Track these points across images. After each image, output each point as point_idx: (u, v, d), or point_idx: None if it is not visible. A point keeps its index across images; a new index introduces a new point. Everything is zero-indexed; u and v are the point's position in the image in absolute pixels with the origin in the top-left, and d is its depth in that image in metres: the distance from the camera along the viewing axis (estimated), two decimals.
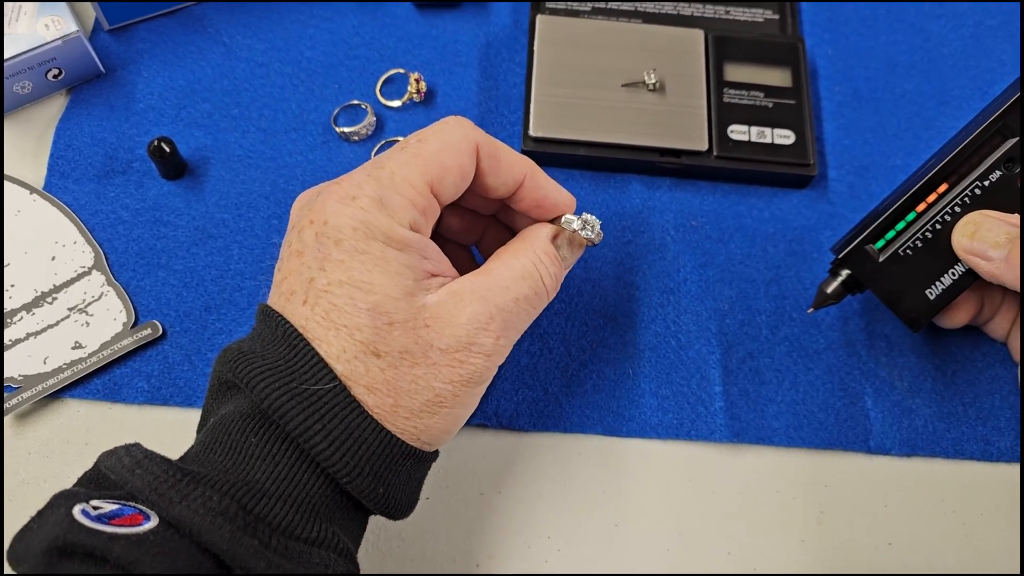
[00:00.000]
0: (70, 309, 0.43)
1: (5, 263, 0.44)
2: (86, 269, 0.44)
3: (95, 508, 0.27)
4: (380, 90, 0.50)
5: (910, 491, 0.42)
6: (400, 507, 0.32)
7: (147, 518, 0.27)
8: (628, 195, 0.48)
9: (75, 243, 0.44)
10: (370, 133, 0.48)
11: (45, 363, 0.41)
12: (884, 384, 0.44)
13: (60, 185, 0.46)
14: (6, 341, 0.42)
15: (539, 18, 0.50)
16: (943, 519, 0.42)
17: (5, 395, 0.40)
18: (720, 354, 0.44)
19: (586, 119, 0.47)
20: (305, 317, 0.31)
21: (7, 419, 0.41)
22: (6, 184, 0.45)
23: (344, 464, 0.30)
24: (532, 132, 0.47)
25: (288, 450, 0.30)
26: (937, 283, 0.39)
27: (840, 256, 0.40)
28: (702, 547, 0.41)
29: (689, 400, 0.43)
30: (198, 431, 0.33)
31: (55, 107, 0.48)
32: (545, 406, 0.42)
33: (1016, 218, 0.37)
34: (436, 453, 0.34)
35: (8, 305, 0.43)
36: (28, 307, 0.43)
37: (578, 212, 0.37)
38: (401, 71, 0.50)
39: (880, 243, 0.40)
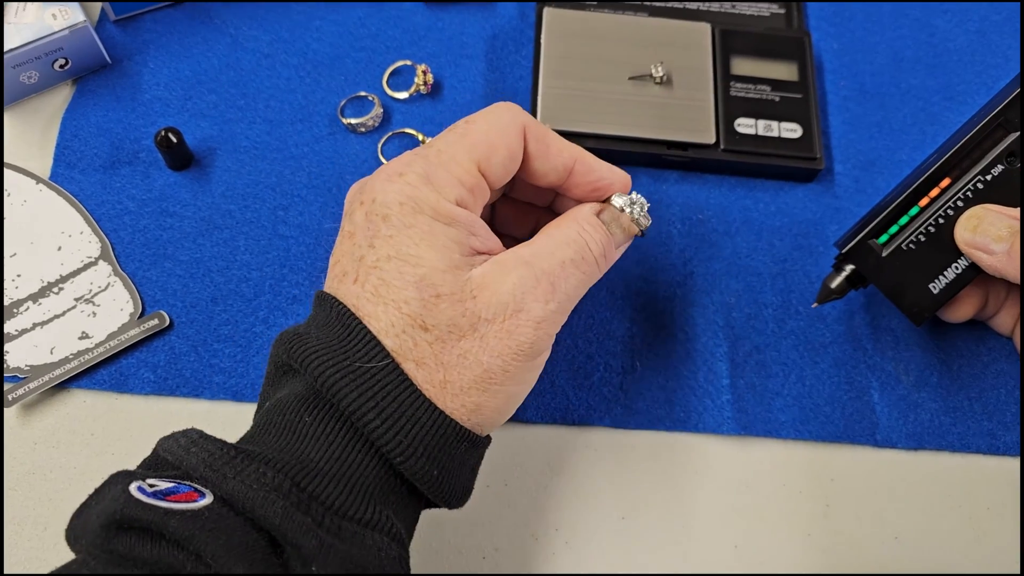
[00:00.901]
0: (77, 299, 0.43)
1: (12, 253, 0.43)
2: (92, 259, 0.44)
3: (151, 485, 0.27)
4: (387, 82, 0.50)
5: (916, 485, 0.42)
6: (455, 493, 0.32)
7: (202, 495, 0.27)
8: (635, 188, 0.47)
9: (81, 233, 0.44)
10: (377, 125, 0.48)
11: (52, 353, 0.41)
12: (890, 378, 0.44)
13: (66, 175, 0.46)
14: (13, 331, 0.42)
15: (546, 10, 0.50)
16: (949, 513, 0.42)
17: (12, 385, 0.40)
18: (727, 347, 0.44)
19: (593, 112, 0.47)
20: (356, 295, 0.31)
21: (14, 409, 0.41)
22: (13, 174, 0.45)
23: (398, 443, 0.29)
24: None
25: (343, 429, 0.30)
26: (940, 277, 0.39)
27: (844, 251, 0.40)
28: (708, 540, 0.41)
29: (696, 393, 0.43)
30: (255, 417, 0.33)
31: (61, 97, 0.48)
32: (552, 398, 0.42)
33: (1019, 212, 0.37)
34: (488, 439, 0.34)
35: (15, 295, 0.42)
36: (35, 297, 0.42)
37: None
38: (408, 63, 0.50)
39: (883, 238, 0.40)
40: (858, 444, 0.43)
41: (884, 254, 0.40)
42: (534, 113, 0.47)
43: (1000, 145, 0.38)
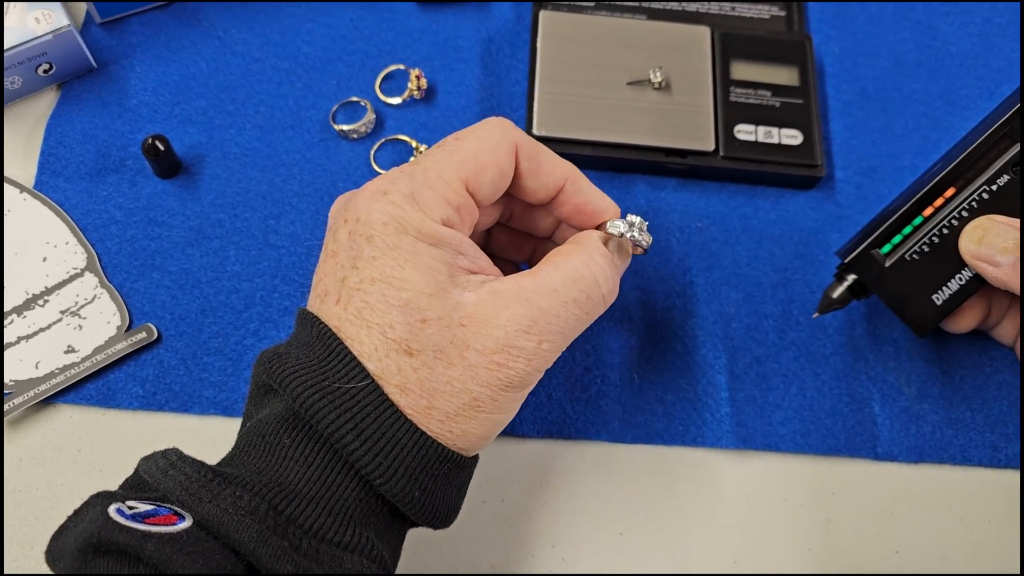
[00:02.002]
0: (62, 312, 0.42)
1: None
2: (78, 271, 0.43)
3: (130, 508, 0.27)
4: (380, 86, 0.49)
5: (918, 498, 0.42)
6: (439, 514, 0.31)
7: (181, 519, 0.27)
8: (633, 196, 0.47)
9: (67, 244, 0.43)
10: (369, 131, 0.47)
11: (37, 368, 0.40)
12: (892, 390, 0.43)
13: (51, 183, 0.45)
14: None
15: (542, 13, 0.49)
16: (951, 527, 0.41)
17: None
18: (726, 359, 0.43)
19: (590, 118, 0.46)
20: (338, 317, 0.30)
21: None
22: None
23: (377, 464, 0.29)
24: (535, 131, 0.46)
25: (322, 451, 0.29)
26: (944, 288, 0.39)
27: (846, 261, 0.40)
28: (708, 555, 0.40)
29: (695, 406, 0.42)
30: (237, 437, 0.33)
31: (45, 103, 0.47)
32: (549, 412, 0.42)
33: None
34: (476, 458, 0.33)
35: None
36: (19, 310, 0.41)
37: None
38: (401, 67, 0.49)
39: (887, 248, 0.39)
40: (859, 457, 0.42)
41: (887, 264, 0.39)
42: (530, 119, 0.46)
43: (1006, 155, 0.37)
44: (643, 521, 0.40)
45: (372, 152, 0.47)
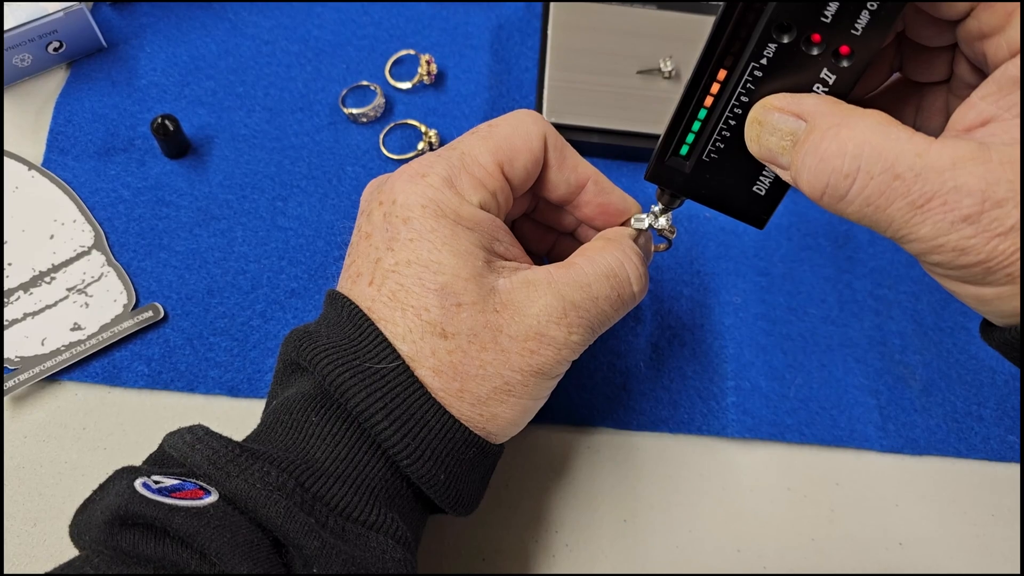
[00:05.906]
0: (69, 290, 0.42)
1: (3, 241, 0.42)
2: (86, 249, 0.43)
3: (156, 482, 0.27)
4: (389, 71, 0.49)
5: (921, 491, 0.42)
6: (461, 500, 0.31)
7: (208, 493, 0.27)
8: (641, 184, 0.47)
9: (75, 222, 0.43)
10: (379, 115, 0.47)
11: (43, 344, 0.40)
12: (898, 382, 0.43)
13: (59, 161, 0.45)
14: (3, 321, 0.41)
15: (553, 2, 0.48)
16: (954, 519, 0.41)
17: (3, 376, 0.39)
18: (733, 348, 0.43)
19: (600, 106, 0.46)
20: (371, 298, 0.31)
21: (3, 401, 0.40)
22: (4, 160, 0.44)
23: (405, 445, 0.29)
24: (545, 118, 0.46)
25: (349, 430, 0.30)
26: (762, 178, 0.32)
27: (647, 175, 0.33)
28: (712, 544, 0.40)
29: (701, 395, 0.42)
30: (262, 415, 0.33)
31: (55, 81, 0.47)
32: (554, 399, 0.41)
33: (803, 101, 0.27)
34: (501, 448, 0.33)
35: (5, 284, 0.41)
36: (26, 287, 0.41)
37: None
38: (411, 52, 0.49)
39: (685, 149, 0.32)
40: (864, 449, 0.42)
41: (688, 170, 0.32)
42: (540, 106, 0.46)
43: (761, 19, 0.28)
44: (647, 508, 0.40)
45: (381, 136, 0.47)
